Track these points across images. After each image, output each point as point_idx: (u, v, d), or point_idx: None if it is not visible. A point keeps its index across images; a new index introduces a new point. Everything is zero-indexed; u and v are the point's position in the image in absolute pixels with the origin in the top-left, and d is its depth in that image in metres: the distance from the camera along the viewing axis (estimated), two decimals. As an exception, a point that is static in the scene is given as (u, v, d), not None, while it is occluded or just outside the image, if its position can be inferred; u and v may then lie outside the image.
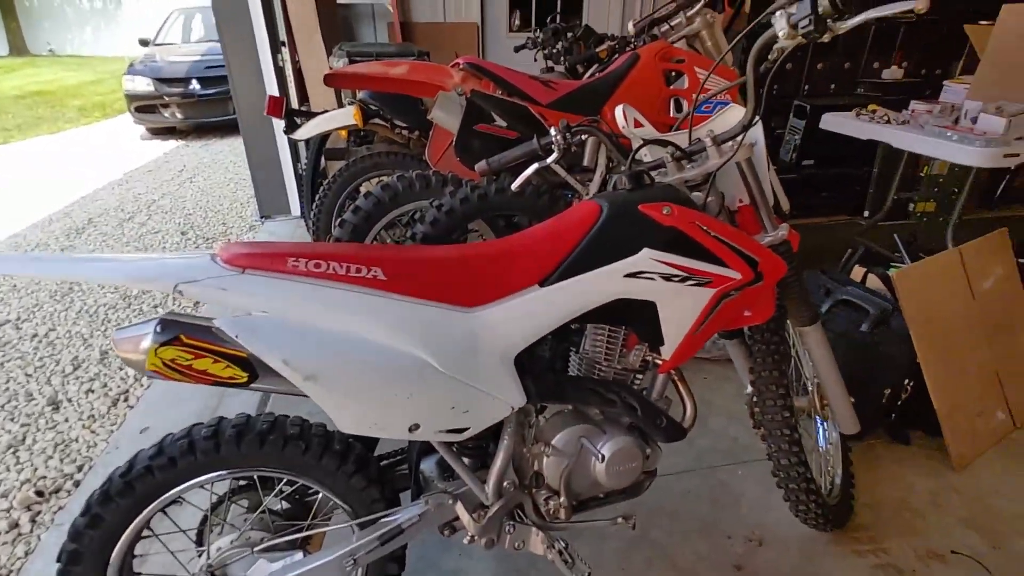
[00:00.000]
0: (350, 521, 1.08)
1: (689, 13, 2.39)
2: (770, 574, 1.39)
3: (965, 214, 2.58)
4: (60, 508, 1.68)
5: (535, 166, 1.42)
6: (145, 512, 0.97)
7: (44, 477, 1.82)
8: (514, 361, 1.03)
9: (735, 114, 1.31)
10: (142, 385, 2.28)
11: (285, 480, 1.06)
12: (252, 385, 0.89)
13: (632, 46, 2.56)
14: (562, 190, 2.04)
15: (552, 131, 1.32)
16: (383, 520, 1.08)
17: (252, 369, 0.87)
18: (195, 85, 6.88)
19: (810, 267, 2.29)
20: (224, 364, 0.86)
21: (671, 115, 2.33)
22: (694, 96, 2.26)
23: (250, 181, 3.92)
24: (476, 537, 1.12)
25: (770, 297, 1.20)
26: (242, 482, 1.09)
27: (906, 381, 1.81)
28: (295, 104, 3.71)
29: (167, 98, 6.81)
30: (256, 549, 1.04)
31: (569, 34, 2.85)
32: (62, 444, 1.97)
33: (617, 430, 1.16)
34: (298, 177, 3.83)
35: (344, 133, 2.63)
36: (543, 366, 1.22)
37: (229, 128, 7.10)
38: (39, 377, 2.36)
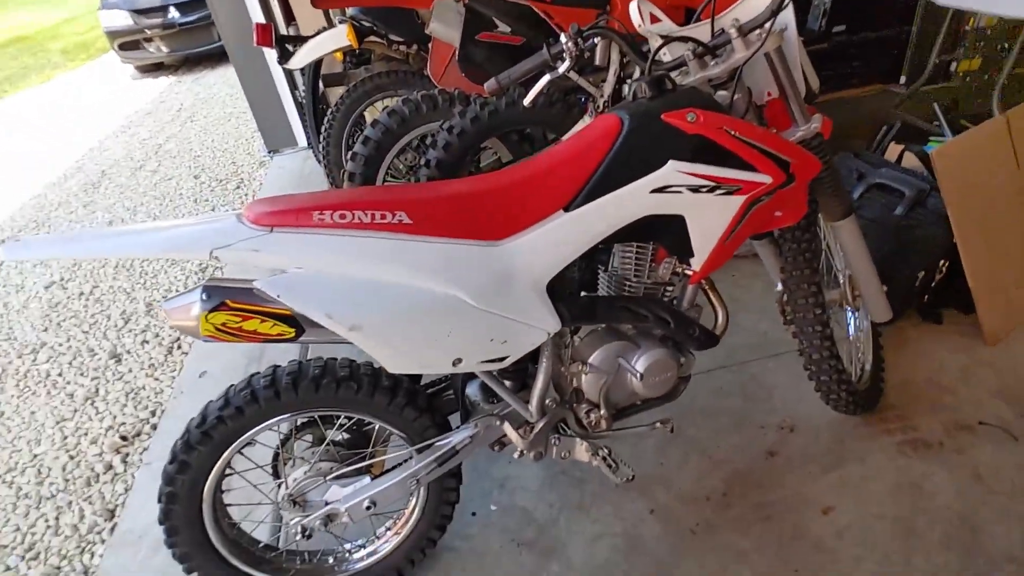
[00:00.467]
0: (408, 448, 1.17)
1: None
2: (802, 457, 1.48)
3: (1016, 68, 2.36)
4: (145, 449, 1.86)
5: (547, 77, 1.34)
6: (224, 455, 1.06)
7: (123, 423, 2.00)
8: (546, 287, 1.05)
9: (762, -2, 1.19)
10: (190, 332, 2.41)
11: (343, 416, 1.14)
12: (300, 339, 0.93)
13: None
14: (575, 95, 1.93)
15: (562, 38, 1.23)
16: (438, 444, 1.16)
17: (298, 324, 0.91)
18: (174, 13, 6.49)
19: (841, 148, 2.18)
20: (272, 323, 0.90)
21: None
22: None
23: (250, 115, 3.81)
24: (525, 451, 1.20)
25: (802, 197, 1.16)
26: (305, 419, 1.18)
27: (941, 262, 1.78)
28: (283, 30, 3.49)
29: (148, 31, 6.48)
30: (328, 477, 1.15)
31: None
32: (132, 393, 2.14)
33: (651, 343, 1.20)
34: (299, 106, 3.70)
35: (340, 55, 2.49)
36: (574, 288, 1.23)
37: (219, 57, 6.78)
38: (95, 333, 2.51)
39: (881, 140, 2.29)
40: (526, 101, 1.42)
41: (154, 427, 1.95)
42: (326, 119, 2.44)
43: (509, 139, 2.01)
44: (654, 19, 1.26)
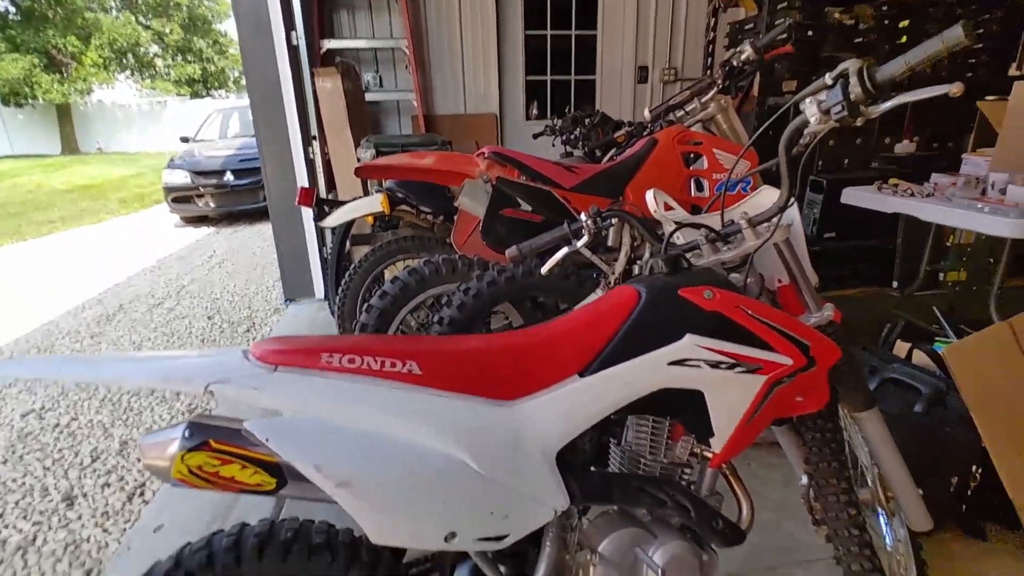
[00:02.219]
0: (377, 642, 0.97)
1: (703, 99, 2.48)
2: None
3: (1006, 282, 2.50)
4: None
5: (565, 250, 1.42)
6: (158, 636, 0.88)
7: (50, 584, 1.72)
8: (556, 458, 0.97)
9: (768, 196, 1.30)
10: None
11: (307, 595, 0.97)
12: (279, 493, 0.83)
13: (649, 131, 2.65)
14: (589, 270, 2.03)
15: (582, 216, 1.33)
16: (413, 642, 0.97)
17: (281, 475, 0.82)
18: (229, 176, 7.30)
19: (849, 343, 2.21)
20: (252, 470, 0.81)
21: (692, 194, 2.37)
22: (718, 176, 2.30)
23: (276, 265, 4.02)
24: (516, 662, 0.99)
25: (824, 382, 1.13)
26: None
27: (974, 468, 1.66)
28: (324, 193, 3.87)
29: (202, 188, 7.21)
30: None
31: (587, 120, 2.97)
32: (72, 545, 1.88)
33: (668, 533, 1.06)
34: (323, 261, 3.92)
35: (371, 219, 2.70)
36: (584, 462, 1.14)
37: (257, 215, 7.44)
38: (56, 471, 2.31)
39: (887, 337, 2.33)
40: (543, 270, 1.48)
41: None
42: (348, 273, 2.55)
43: (522, 305, 2.07)
44: (667, 207, 1.37)
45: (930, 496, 1.51)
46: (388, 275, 2.67)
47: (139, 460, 2.24)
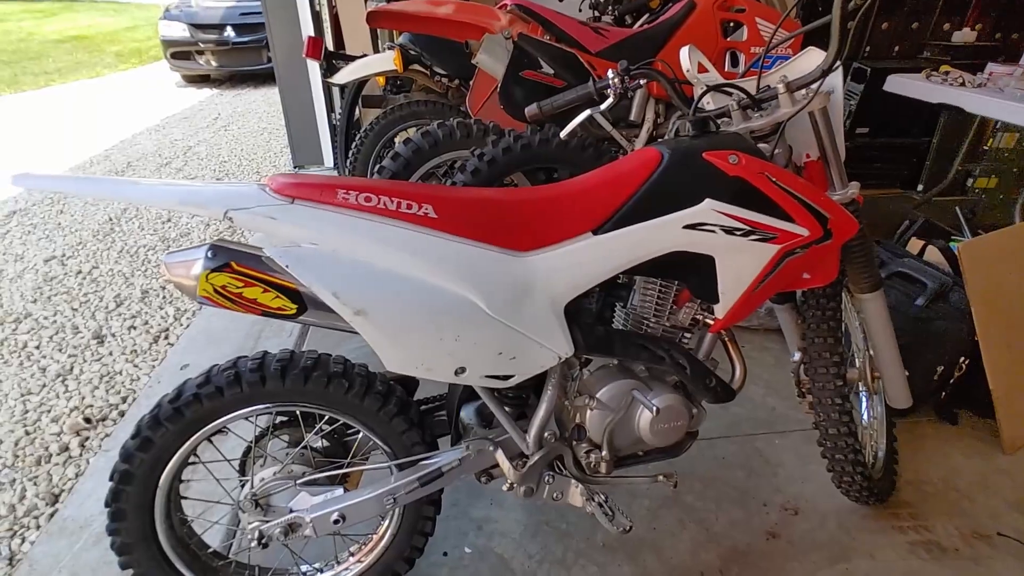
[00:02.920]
0: (389, 462, 1.08)
1: (752, -41, 2.21)
2: (806, 544, 1.37)
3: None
4: (107, 435, 1.75)
5: (587, 112, 1.35)
6: (192, 439, 0.98)
7: (91, 406, 1.89)
8: (563, 310, 1.00)
9: (811, 59, 1.21)
10: (181, 324, 2.33)
11: (327, 418, 1.06)
12: (300, 317, 0.87)
13: (687, -6, 2.41)
14: (608, 144, 1.95)
15: (610, 73, 1.25)
16: (423, 463, 1.07)
17: (301, 301, 0.86)
18: (229, 32, 6.82)
19: (862, 238, 2.18)
20: (274, 294, 0.84)
21: (726, 69, 2.21)
22: (757, 51, 2.13)
23: (284, 131, 3.90)
24: (515, 485, 1.11)
25: (835, 259, 1.13)
26: (284, 417, 1.10)
27: (961, 359, 1.72)
28: (332, 48, 3.63)
29: (202, 44, 6.78)
30: (298, 482, 1.05)
31: (620, -19, 2.69)
32: (107, 376, 2.04)
33: (663, 387, 1.13)
34: (332, 127, 3.79)
35: (382, 80, 2.56)
36: (590, 318, 1.18)
37: (262, 78, 7.07)
38: (84, 312, 2.43)
39: (903, 234, 2.30)
40: (563, 133, 1.42)
41: (122, 414, 1.84)
42: (358, 137, 2.47)
43: (535, 176, 2.02)
44: (702, 68, 1.28)
45: (913, 381, 1.58)
46: (399, 139, 2.59)
47: (169, 324, 2.35)
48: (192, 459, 1.03)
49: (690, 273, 1.06)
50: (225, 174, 4.16)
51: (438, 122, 1.89)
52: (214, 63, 6.94)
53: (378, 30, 3.22)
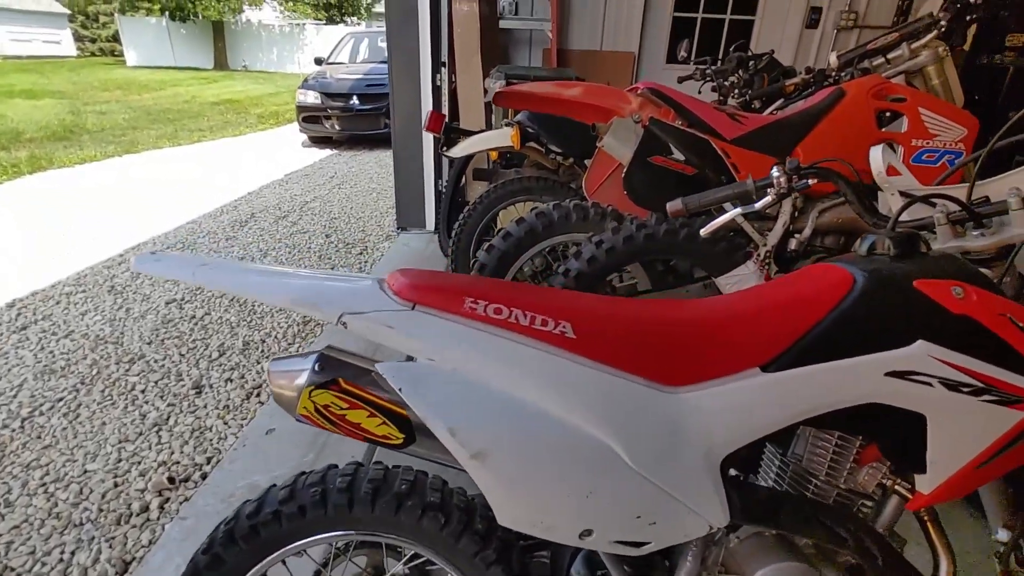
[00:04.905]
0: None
1: (915, 44, 2.00)
2: None
3: None
4: (186, 499, 1.70)
5: (737, 211, 1.18)
6: (264, 561, 0.85)
7: (178, 463, 1.87)
8: (719, 466, 0.79)
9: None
10: (274, 382, 2.33)
11: (412, 553, 0.90)
12: (406, 448, 0.74)
13: (833, 80, 2.22)
14: (741, 239, 1.75)
15: (775, 171, 1.07)
16: (519, 626, 0.87)
17: (410, 431, 0.72)
18: (355, 100, 7.47)
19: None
20: (380, 420, 0.71)
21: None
22: (920, 143, 1.87)
23: (391, 193, 4.05)
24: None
25: (1097, 432, 0.84)
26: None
27: None
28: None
29: (330, 111, 7.47)
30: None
31: (752, 63, 2.56)
32: (198, 431, 2.04)
33: (835, 573, 0.86)
34: (437, 194, 3.88)
35: (495, 155, 2.56)
36: (738, 468, 0.95)
37: (376, 141, 7.63)
38: (189, 359, 2.51)
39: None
40: (704, 231, 1.25)
41: (204, 476, 1.80)
42: (467, 209, 2.45)
43: (653, 267, 1.85)
44: (892, 170, 1.07)
45: None
46: (502, 217, 2.55)
47: (264, 379, 2.36)
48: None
49: (886, 429, 0.82)
50: (334, 230, 4.37)
51: (554, 203, 1.80)
52: (338, 127, 7.60)
53: (493, 106, 3.30)
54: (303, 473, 0.89)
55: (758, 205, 1.13)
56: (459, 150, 2.32)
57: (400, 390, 0.68)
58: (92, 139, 7.51)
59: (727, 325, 0.82)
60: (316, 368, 0.71)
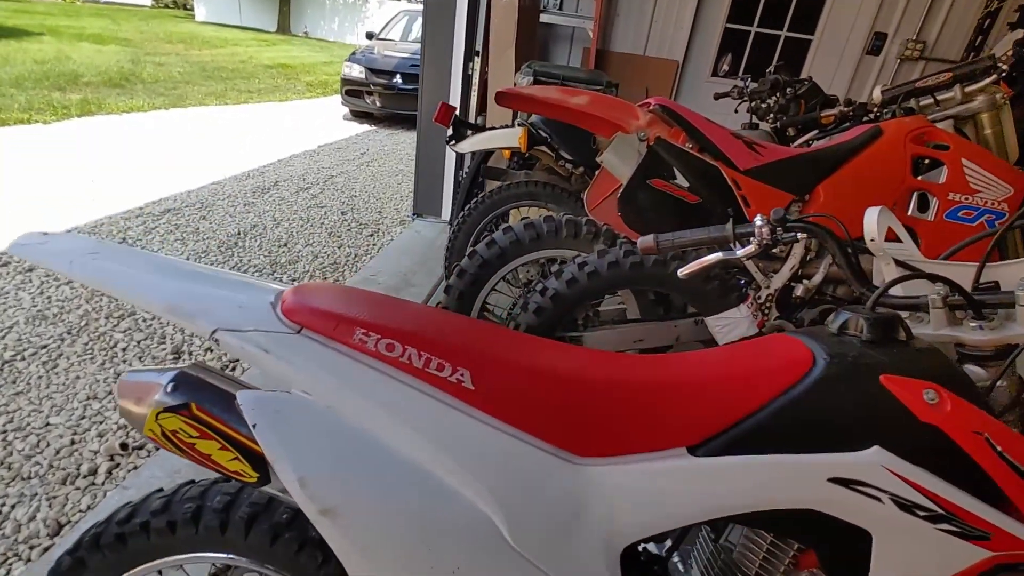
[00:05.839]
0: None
1: (970, 87, 1.81)
2: None
3: None
4: (134, 468, 1.69)
5: (717, 255, 1.06)
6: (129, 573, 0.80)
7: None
8: (619, 556, 0.70)
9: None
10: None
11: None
12: (263, 489, 0.67)
13: (874, 116, 2.04)
14: (737, 277, 1.63)
15: (758, 220, 0.96)
16: None
17: (265, 470, 0.65)
18: (398, 78, 7.45)
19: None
20: (232, 455, 0.64)
21: (909, 212, 1.79)
22: (957, 198, 1.70)
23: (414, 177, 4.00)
24: None
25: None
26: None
27: None
28: (473, 114, 3.69)
29: (372, 87, 7.47)
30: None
31: (789, 88, 2.39)
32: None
33: None
34: (456, 184, 3.81)
35: (507, 154, 2.46)
36: (644, 557, 0.85)
37: (415, 121, 7.61)
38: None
39: None
40: (681, 273, 1.14)
41: (157, 447, 1.79)
42: (468, 207, 2.37)
43: (643, 296, 1.73)
44: (891, 234, 0.94)
45: None
46: (512, 216, 2.46)
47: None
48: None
49: (825, 541, 0.71)
50: (351, 208, 4.35)
51: (545, 216, 1.70)
52: (378, 103, 7.60)
53: (519, 102, 3.19)
54: (191, 482, 0.83)
55: (739, 253, 1.02)
56: (464, 146, 2.24)
57: (254, 426, 0.61)
58: (145, 89, 7.71)
59: (659, 392, 0.72)
60: (169, 388, 0.64)
